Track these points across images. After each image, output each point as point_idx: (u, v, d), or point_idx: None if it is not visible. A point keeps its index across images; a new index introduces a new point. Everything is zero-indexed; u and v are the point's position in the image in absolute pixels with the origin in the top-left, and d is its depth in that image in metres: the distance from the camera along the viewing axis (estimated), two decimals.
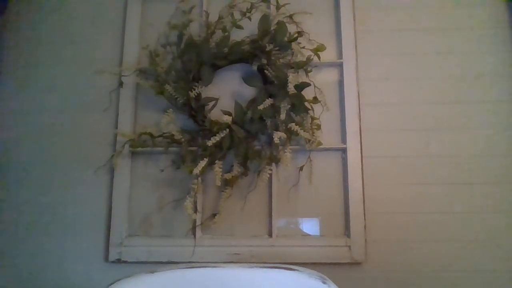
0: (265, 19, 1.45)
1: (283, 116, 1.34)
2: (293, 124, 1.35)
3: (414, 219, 1.40)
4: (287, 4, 1.50)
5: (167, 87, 1.41)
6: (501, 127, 1.45)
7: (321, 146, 1.42)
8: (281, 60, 1.45)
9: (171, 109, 1.42)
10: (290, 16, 1.51)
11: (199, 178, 1.37)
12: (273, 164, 1.43)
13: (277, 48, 1.42)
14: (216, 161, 1.35)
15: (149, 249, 1.43)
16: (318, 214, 1.44)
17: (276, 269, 1.06)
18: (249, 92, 1.50)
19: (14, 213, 1.51)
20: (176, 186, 1.48)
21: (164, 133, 1.44)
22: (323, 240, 1.41)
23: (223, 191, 1.38)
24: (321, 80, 1.50)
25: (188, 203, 1.29)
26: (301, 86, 1.37)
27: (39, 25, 1.65)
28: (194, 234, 1.44)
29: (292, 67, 1.44)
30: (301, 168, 1.43)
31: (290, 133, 1.37)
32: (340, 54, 1.52)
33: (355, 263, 1.37)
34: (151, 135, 1.45)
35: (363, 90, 1.49)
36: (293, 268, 1.05)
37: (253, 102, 1.43)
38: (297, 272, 1.02)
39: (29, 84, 1.60)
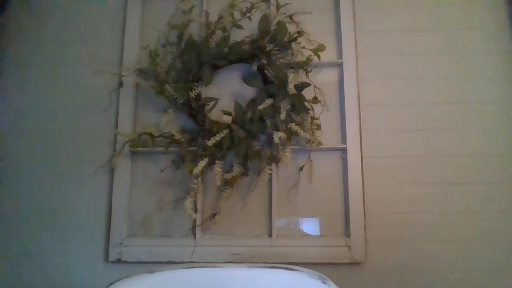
0: (265, 19, 1.45)
1: (283, 116, 1.34)
2: (293, 124, 1.35)
3: (414, 219, 1.40)
4: (287, 4, 1.50)
5: (167, 87, 1.41)
6: (501, 127, 1.45)
7: (321, 146, 1.42)
8: (281, 60, 1.45)
9: (171, 109, 1.42)
10: (290, 16, 1.52)
11: (199, 178, 1.37)
12: (273, 164, 1.43)
13: (277, 48, 1.42)
14: (216, 161, 1.35)
15: (149, 249, 1.43)
16: (318, 214, 1.44)
17: (276, 269, 1.06)
18: (249, 92, 1.50)
19: (13, 213, 1.50)
20: (176, 186, 1.48)
21: (164, 133, 1.44)
22: (323, 240, 1.41)
23: (223, 191, 1.38)
24: (321, 80, 1.50)
25: (188, 203, 1.29)
26: (301, 86, 1.37)
27: (39, 25, 1.65)
28: (194, 234, 1.44)
29: (292, 67, 1.44)
30: (301, 168, 1.43)
31: (290, 133, 1.37)
32: (340, 54, 1.52)
33: (355, 263, 1.37)
34: (151, 135, 1.45)
35: (363, 90, 1.49)
36: (293, 268, 1.04)
37: (253, 102, 1.43)
38: (297, 272, 1.02)
39: (29, 84, 1.60)
